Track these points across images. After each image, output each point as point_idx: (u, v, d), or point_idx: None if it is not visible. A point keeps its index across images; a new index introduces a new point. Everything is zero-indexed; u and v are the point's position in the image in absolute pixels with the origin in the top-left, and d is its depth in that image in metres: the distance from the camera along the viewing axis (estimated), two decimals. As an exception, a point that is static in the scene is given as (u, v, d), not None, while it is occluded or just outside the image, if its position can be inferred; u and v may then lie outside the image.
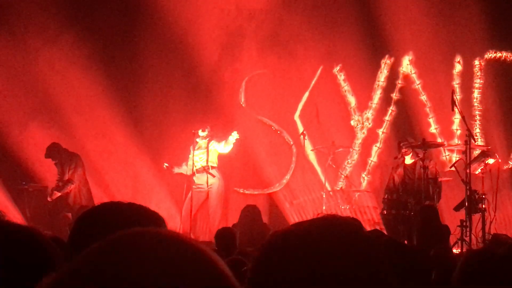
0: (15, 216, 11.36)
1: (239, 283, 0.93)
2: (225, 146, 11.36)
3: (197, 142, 11.36)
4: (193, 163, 11.25)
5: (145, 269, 0.83)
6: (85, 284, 0.82)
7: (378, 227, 9.45)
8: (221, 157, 11.87)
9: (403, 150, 10.56)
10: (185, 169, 11.59)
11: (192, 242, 0.90)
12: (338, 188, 12.28)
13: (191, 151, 11.41)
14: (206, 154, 11.36)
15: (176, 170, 11.63)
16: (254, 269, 1.24)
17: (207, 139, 11.41)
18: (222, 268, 0.89)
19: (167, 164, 11.59)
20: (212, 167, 11.42)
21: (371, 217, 11.46)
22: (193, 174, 11.34)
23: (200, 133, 11.35)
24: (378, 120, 12.83)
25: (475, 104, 12.57)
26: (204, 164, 11.35)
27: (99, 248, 0.87)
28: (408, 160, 10.61)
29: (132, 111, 12.96)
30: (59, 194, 11.31)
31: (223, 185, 11.63)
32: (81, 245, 0.90)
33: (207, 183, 11.30)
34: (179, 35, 12.61)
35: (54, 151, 11.47)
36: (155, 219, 1.91)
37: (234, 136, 11.20)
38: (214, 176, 11.38)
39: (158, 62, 13.20)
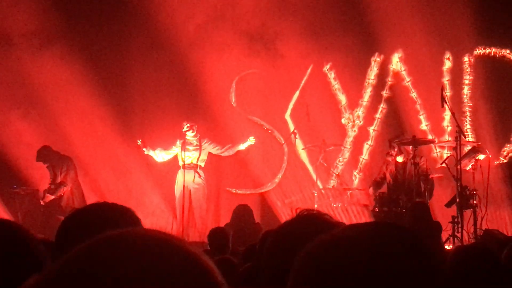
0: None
1: (227, 281, 0.93)
2: (225, 152, 11.53)
3: (187, 139, 11.34)
4: (183, 158, 11.25)
5: (129, 270, 0.83)
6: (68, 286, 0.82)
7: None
8: (213, 157, 11.87)
9: (393, 151, 10.58)
10: (156, 154, 11.56)
11: (177, 241, 0.90)
12: (330, 187, 12.29)
13: (178, 146, 11.37)
14: (199, 153, 11.37)
15: (146, 151, 11.55)
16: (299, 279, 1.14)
17: (197, 136, 11.44)
18: (207, 266, 0.89)
19: (140, 142, 11.53)
20: (200, 167, 11.44)
21: (362, 215, 11.47)
22: (179, 168, 11.34)
23: (190, 133, 11.35)
24: (368, 118, 12.85)
25: (465, 100, 12.61)
26: (195, 161, 11.36)
27: (82, 250, 0.87)
28: (400, 158, 10.64)
29: (121, 111, 12.91)
30: (52, 197, 11.27)
31: (207, 186, 11.65)
32: (65, 247, 0.90)
33: (194, 181, 11.30)
34: (167, 33, 12.56)
35: (45, 154, 11.42)
36: (129, 215, 1.94)
37: (251, 140, 11.38)
38: (200, 176, 11.39)
39: (146, 61, 13.14)
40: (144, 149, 11.51)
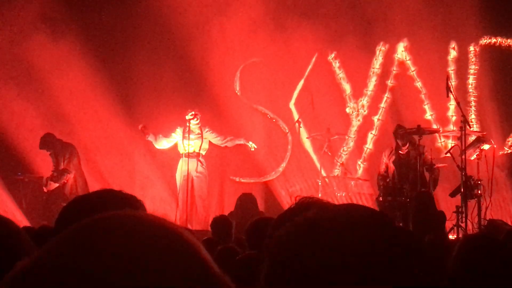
0: (10, 207, 11.36)
1: (230, 270, 0.92)
2: (225, 143, 11.50)
3: (189, 127, 11.28)
4: (185, 147, 11.20)
5: (119, 253, 0.82)
6: (56, 270, 0.81)
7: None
8: (216, 145, 11.86)
9: (398, 142, 10.55)
10: (157, 141, 11.45)
11: (169, 225, 0.88)
12: (334, 176, 12.28)
13: (178, 133, 11.32)
14: (201, 141, 11.34)
15: (148, 138, 11.43)
16: (275, 260, 1.14)
17: (199, 124, 11.40)
18: (200, 252, 0.88)
19: (141, 127, 11.44)
20: (202, 156, 11.42)
21: (366, 204, 11.47)
22: (180, 156, 11.30)
23: (193, 121, 11.30)
24: (373, 107, 12.82)
25: (470, 90, 12.58)
26: (198, 150, 11.33)
27: (70, 234, 0.86)
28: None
29: (126, 100, 12.90)
30: (55, 184, 11.28)
31: (208, 175, 11.64)
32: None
33: (196, 170, 11.28)
34: (172, 20, 12.53)
35: (48, 142, 11.42)
36: (134, 203, 1.91)
37: (251, 145, 11.40)
38: (202, 165, 11.38)
39: (151, 47, 13.13)
40: (146, 135, 11.43)
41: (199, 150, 11.32)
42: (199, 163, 11.30)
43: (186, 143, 11.21)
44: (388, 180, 10.52)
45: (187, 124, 11.23)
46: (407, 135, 10.49)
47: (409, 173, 10.38)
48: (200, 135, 11.36)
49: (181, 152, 11.31)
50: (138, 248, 0.83)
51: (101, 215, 0.88)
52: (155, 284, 0.80)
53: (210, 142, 11.57)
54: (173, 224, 0.89)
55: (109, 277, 0.80)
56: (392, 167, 10.61)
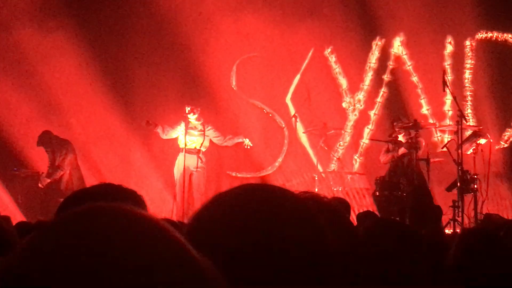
0: (7, 202, 11.34)
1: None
2: (225, 142, 11.49)
3: (189, 122, 11.24)
4: (185, 142, 11.16)
5: (99, 246, 0.81)
6: (37, 264, 0.80)
7: (370, 209, 9.46)
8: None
9: (396, 129, 10.57)
10: (164, 131, 11.40)
11: (149, 217, 0.88)
12: (330, 170, 12.29)
13: (182, 127, 11.27)
14: (203, 138, 11.30)
15: (157, 129, 11.30)
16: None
17: (201, 121, 11.36)
18: (184, 245, 0.87)
19: (146, 121, 11.33)
20: (202, 152, 11.40)
21: (363, 199, 11.48)
22: (180, 151, 11.27)
23: (191, 116, 11.27)
24: (369, 102, 12.83)
25: (467, 84, 12.59)
26: (198, 147, 11.30)
27: (50, 228, 0.85)
28: (402, 138, 10.63)
29: (123, 94, 12.88)
30: (48, 180, 11.31)
31: (207, 170, 11.61)
32: None
33: (197, 166, 11.25)
34: (169, 14, 12.52)
35: (45, 139, 11.42)
36: (134, 198, 1.90)
37: (246, 143, 11.43)
38: (202, 161, 11.36)
39: (148, 43, 13.10)
40: (155, 128, 11.34)
41: (200, 147, 11.29)
42: (199, 160, 11.27)
43: (188, 138, 11.18)
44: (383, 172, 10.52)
45: (188, 120, 11.21)
46: (404, 129, 10.51)
47: (405, 167, 10.38)
48: (202, 132, 11.33)
49: (181, 147, 11.28)
50: (117, 241, 0.82)
51: (78, 208, 0.88)
52: (131, 276, 0.80)
53: (211, 140, 11.56)
54: (151, 215, 0.89)
55: (86, 270, 0.79)
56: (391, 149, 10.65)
